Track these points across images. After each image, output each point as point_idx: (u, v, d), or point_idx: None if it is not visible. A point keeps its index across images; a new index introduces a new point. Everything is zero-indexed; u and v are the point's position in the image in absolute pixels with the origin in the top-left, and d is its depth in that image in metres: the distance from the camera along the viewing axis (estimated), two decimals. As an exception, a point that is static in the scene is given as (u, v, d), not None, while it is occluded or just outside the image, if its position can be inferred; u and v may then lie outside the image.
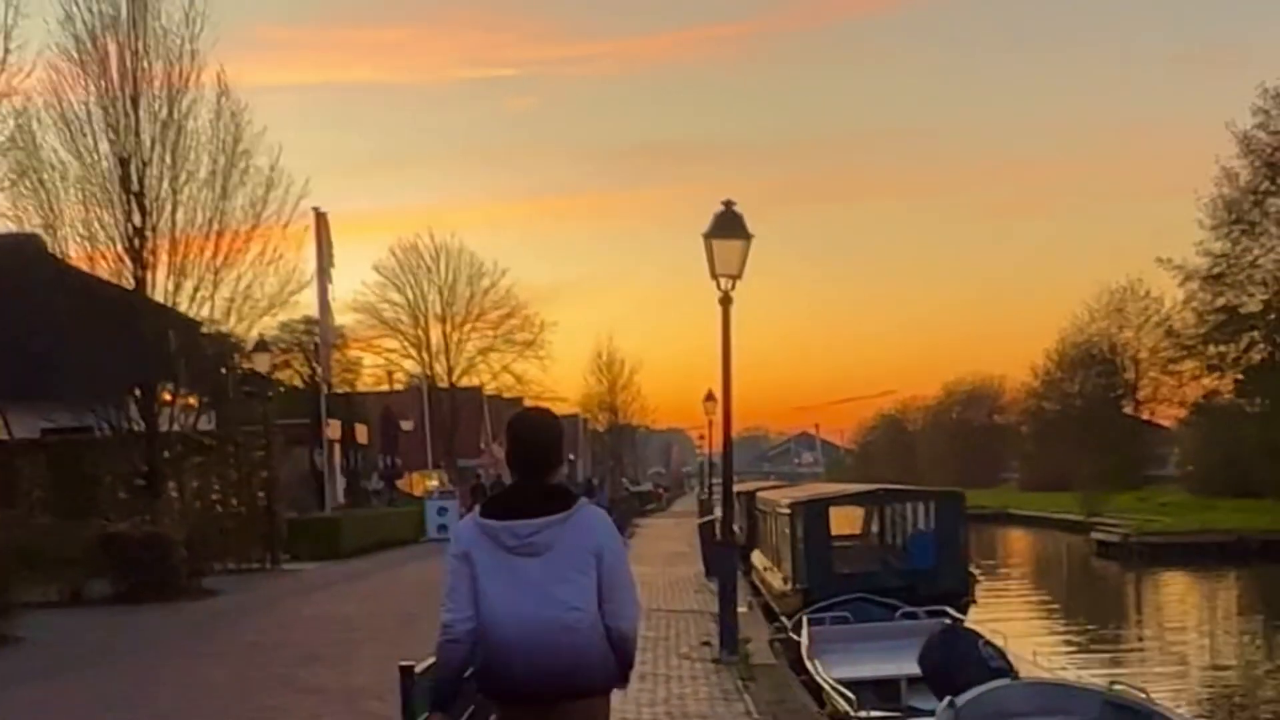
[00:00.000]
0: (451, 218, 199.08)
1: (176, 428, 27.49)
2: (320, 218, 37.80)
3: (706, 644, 17.28)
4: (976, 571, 23.38)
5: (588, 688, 5.33)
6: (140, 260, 26.68)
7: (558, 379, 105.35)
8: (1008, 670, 11.86)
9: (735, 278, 16.39)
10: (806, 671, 15.91)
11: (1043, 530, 66.16)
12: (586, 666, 5.28)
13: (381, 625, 19.70)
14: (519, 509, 5.32)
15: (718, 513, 26.34)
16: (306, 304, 41.84)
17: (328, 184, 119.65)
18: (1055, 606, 36.42)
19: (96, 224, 26.67)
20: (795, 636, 18.26)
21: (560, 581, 5.22)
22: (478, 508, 5.54)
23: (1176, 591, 39.87)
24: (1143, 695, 11.05)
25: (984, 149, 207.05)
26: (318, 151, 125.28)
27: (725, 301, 16.44)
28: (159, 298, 27.08)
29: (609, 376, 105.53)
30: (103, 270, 27.06)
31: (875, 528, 24.71)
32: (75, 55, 26.24)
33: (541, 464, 5.44)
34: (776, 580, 24.37)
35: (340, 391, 57.01)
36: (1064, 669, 14.61)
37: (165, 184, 26.86)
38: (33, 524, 24.95)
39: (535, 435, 5.52)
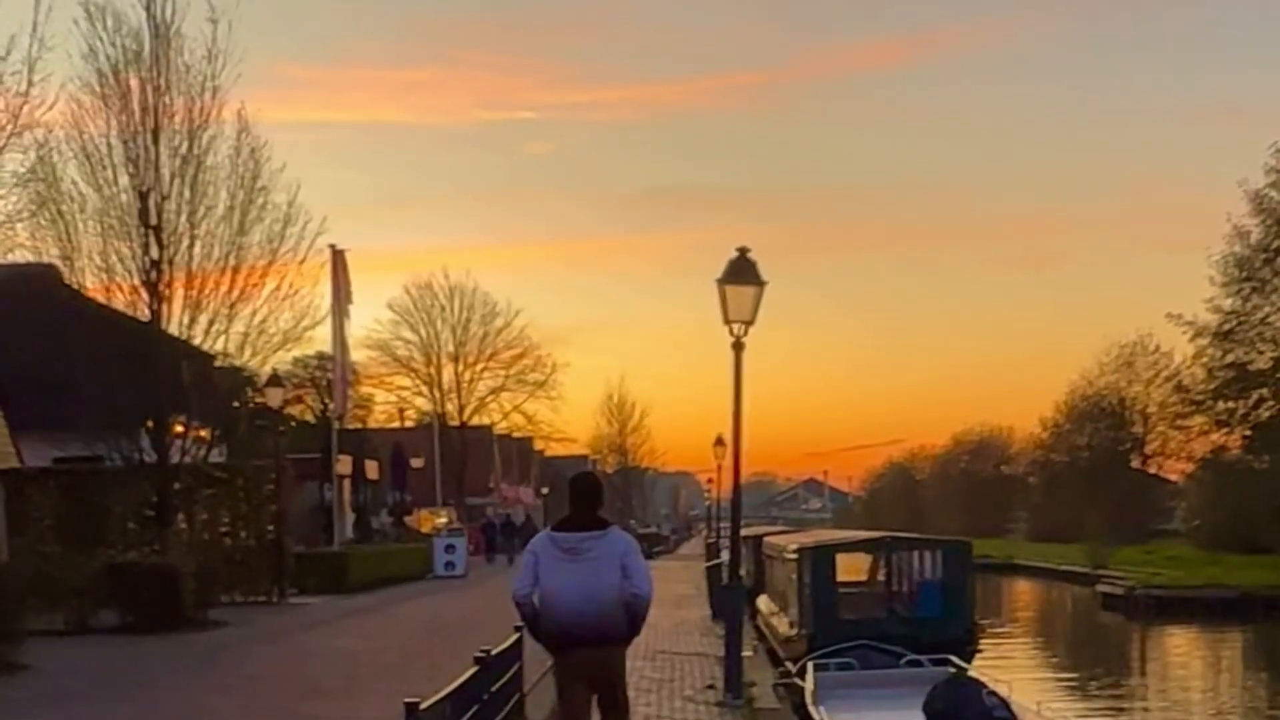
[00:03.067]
0: (466, 259, 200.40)
1: (187, 460, 27.57)
2: (338, 255, 37.92)
3: (711, 687, 17.28)
4: (981, 620, 23.36)
5: (612, 637, 8.79)
6: (156, 293, 26.78)
7: (568, 420, 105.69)
8: None
9: (748, 324, 16.45)
10: (810, 717, 15.93)
11: (1048, 581, 65.92)
12: (610, 623, 8.69)
13: (386, 660, 19.71)
14: (575, 527, 8.87)
15: (725, 556, 26.36)
16: (320, 339, 42.10)
17: (343, 222, 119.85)
18: (1060, 657, 36.35)
19: (114, 256, 26.85)
20: (800, 682, 18.25)
21: (596, 574, 8.66)
22: (549, 527, 9.32)
23: (1181, 645, 39.75)
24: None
25: (998, 202, 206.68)
26: (334, 189, 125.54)
27: (737, 347, 16.53)
28: (174, 331, 27.18)
29: (619, 419, 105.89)
30: (119, 302, 27.19)
31: (882, 575, 24.66)
32: (97, 89, 26.45)
33: (590, 502, 9.06)
34: (782, 625, 24.37)
35: (351, 427, 57.10)
36: (1068, 719, 14.61)
37: (183, 218, 27.02)
38: (42, 552, 25.04)
39: (587, 486, 9.18)
